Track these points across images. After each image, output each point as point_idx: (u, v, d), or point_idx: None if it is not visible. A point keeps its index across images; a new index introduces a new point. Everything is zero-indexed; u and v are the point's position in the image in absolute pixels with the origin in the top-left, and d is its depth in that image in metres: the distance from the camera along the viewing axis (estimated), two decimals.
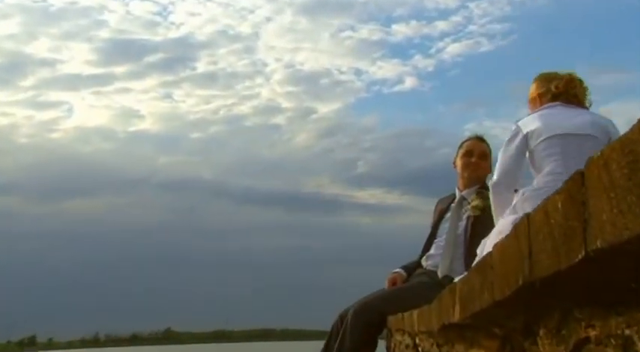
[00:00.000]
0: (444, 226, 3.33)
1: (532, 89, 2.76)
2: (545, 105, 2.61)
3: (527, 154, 2.51)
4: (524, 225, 0.76)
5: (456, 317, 1.34)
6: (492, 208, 2.59)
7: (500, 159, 2.59)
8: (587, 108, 2.65)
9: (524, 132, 2.51)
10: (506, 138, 2.58)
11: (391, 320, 2.93)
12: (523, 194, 2.38)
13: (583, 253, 0.59)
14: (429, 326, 1.84)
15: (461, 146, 3.33)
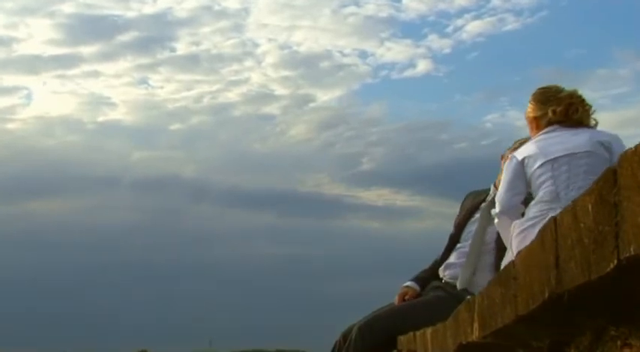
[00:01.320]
0: (470, 229, 3.25)
1: (529, 109, 2.92)
2: (543, 131, 2.80)
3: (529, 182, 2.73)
4: (550, 231, 0.78)
5: (475, 335, 1.36)
6: (503, 238, 2.79)
7: (499, 190, 2.82)
8: (590, 127, 2.84)
9: (520, 158, 2.74)
10: (504, 168, 2.83)
11: (401, 340, 2.96)
12: (515, 227, 2.61)
13: (615, 261, 0.61)
14: (444, 347, 1.86)
15: (515, 142, 3.43)
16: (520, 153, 2.78)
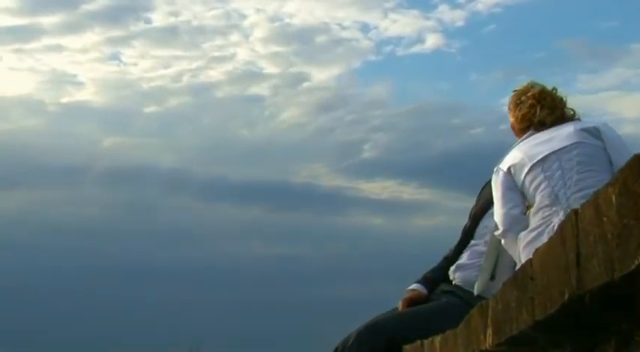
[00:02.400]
0: (487, 224, 3.21)
1: (509, 114, 3.10)
2: (522, 137, 2.95)
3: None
4: (570, 225, 0.80)
5: (488, 343, 1.38)
6: (513, 257, 2.84)
7: (495, 209, 2.91)
8: (570, 119, 2.99)
9: (505, 169, 2.85)
10: (492, 185, 2.93)
11: (407, 349, 2.99)
12: (520, 241, 2.69)
13: None
14: None
15: None
16: (505, 163, 2.87)
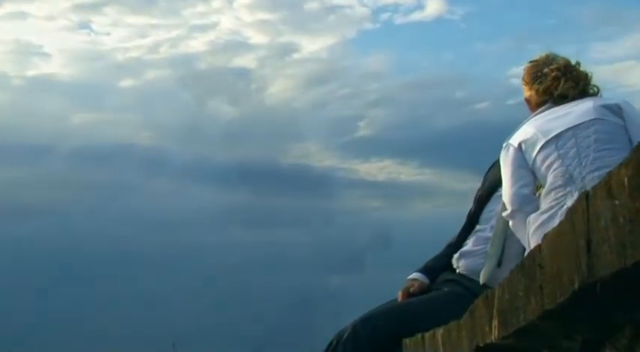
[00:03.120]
0: (493, 207, 3.24)
1: (522, 87, 3.11)
2: (537, 111, 2.96)
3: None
4: (581, 209, 0.81)
5: (494, 335, 1.40)
6: (521, 240, 2.86)
7: (503, 187, 2.92)
8: (591, 96, 3.00)
9: (515, 144, 2.85)
10: (501, 161, 2.93)
11: (406, 343, 3.01)
12: (530, 223, 2.69)
13: None
14: (459, 350, 1.90)
15: None
16: (516, 139, 2.87)
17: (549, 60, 3.04)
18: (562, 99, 2.92)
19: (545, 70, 3.00)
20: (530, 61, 3.11)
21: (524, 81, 3.09)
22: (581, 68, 3.04)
